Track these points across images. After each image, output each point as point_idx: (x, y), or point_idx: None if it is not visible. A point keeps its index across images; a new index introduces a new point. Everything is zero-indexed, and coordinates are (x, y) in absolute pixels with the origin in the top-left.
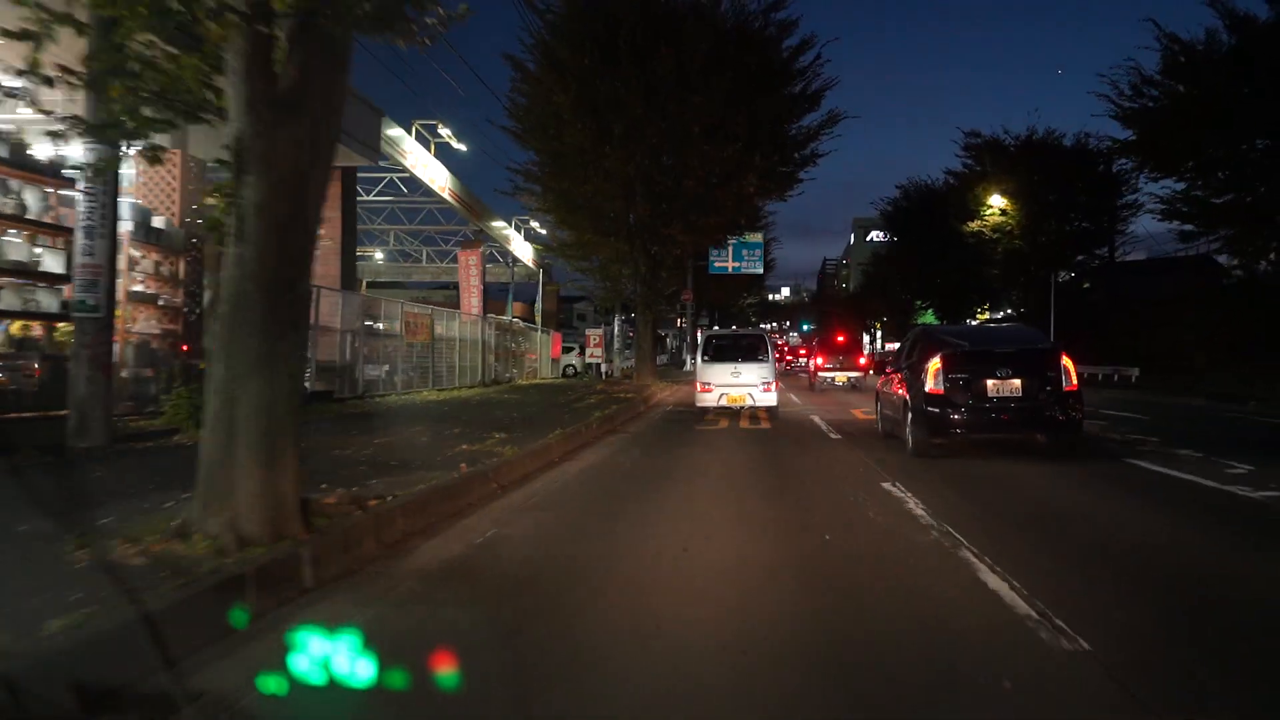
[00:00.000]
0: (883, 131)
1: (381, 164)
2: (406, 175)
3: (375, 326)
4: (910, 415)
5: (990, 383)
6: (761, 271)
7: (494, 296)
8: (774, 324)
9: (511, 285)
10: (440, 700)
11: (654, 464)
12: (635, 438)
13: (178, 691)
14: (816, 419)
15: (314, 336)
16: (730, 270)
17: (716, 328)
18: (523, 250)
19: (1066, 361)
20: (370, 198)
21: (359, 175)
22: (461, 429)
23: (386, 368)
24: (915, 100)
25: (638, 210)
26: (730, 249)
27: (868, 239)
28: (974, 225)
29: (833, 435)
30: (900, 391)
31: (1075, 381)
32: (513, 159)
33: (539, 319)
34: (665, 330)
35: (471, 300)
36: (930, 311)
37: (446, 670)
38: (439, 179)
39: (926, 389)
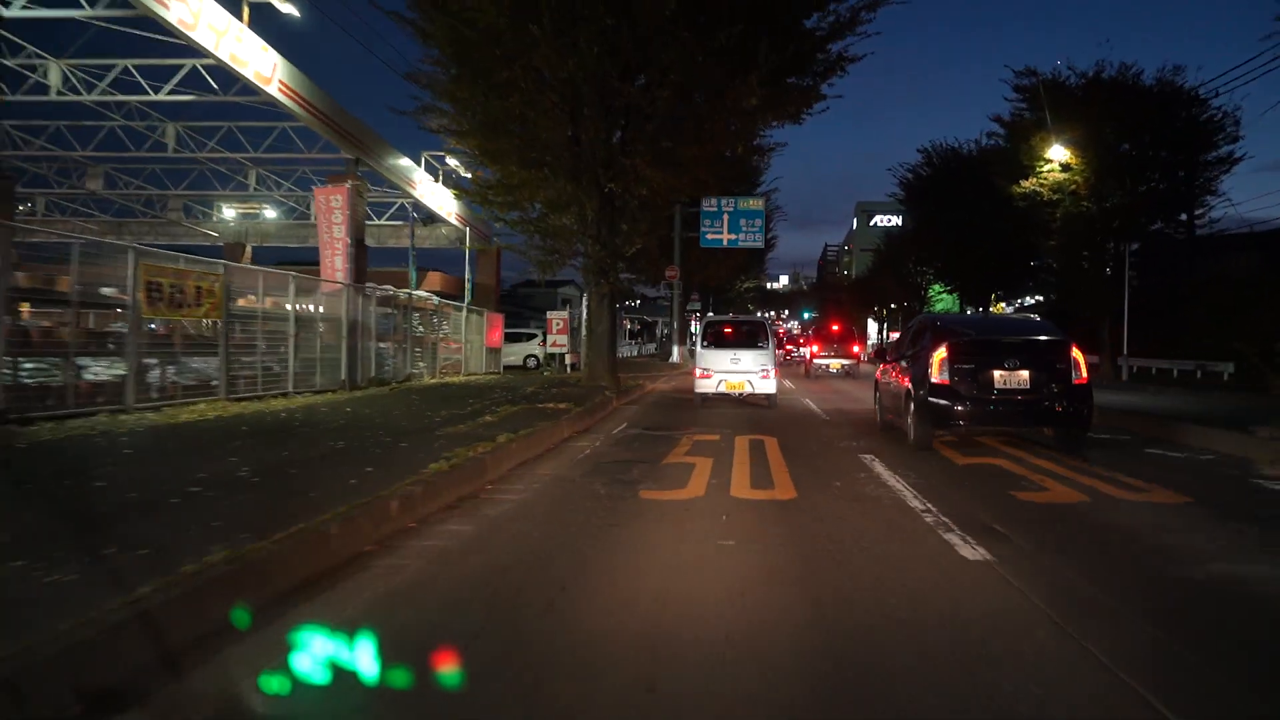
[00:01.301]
0: (889, 109)
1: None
2: (213, 63)
3: (58, 290)
4: (913, 406)
5: (997, 374)
6: (762, 245)
7: (421, 264)
8: (773, 312)
9: (413, 245)
10: None
11: None
12: (460, 551)
13: None
14: (873, 462)
15: None
16: (725, 244)
17: (712, 314)
18: (440, 199)
19: (1076, 354)
20: (163, 97)
21: (143, 68)
22: None
23: (115, 366)
24: (937, 60)
25: (585, 130)
26: (726, 219)
27: (871, 223)
28: (1027, 184)
29: (958, 542)
30: (902, 381)
31: (1085, 375)
32: (414, 60)
33: (468, 294)
34: (655, 316)
35: (334, 260)
36: (954, 296)
37: None
38: (256, 63)
39: (931, 379)
